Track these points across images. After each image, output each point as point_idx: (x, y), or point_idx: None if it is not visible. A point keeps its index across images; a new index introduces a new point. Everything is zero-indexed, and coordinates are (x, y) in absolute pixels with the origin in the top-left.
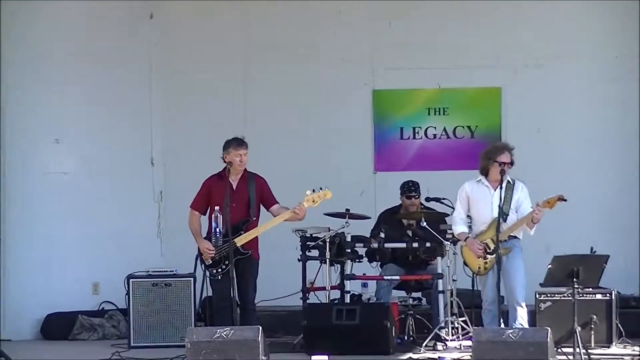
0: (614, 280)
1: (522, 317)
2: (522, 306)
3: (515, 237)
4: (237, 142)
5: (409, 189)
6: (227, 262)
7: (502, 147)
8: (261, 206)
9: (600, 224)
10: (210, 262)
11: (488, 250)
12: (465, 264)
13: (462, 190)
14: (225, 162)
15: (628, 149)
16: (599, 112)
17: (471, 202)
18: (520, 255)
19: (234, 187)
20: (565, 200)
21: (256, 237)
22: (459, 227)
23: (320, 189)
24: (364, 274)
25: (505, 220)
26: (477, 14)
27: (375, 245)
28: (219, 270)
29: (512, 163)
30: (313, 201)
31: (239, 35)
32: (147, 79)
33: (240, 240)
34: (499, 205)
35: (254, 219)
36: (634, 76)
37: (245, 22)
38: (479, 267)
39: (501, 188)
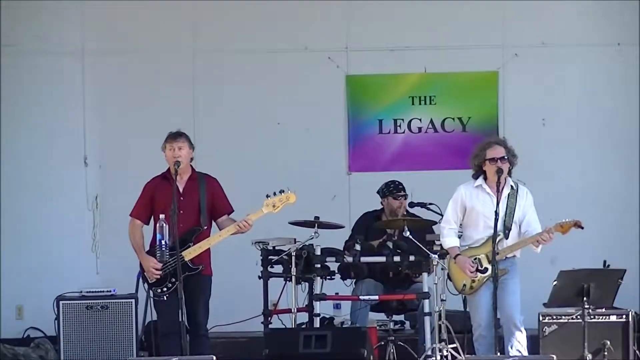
0: (630, 299)
1: (520, 343)
2: (521, 330)
3: (513, 255)
4: (170, 136)
5: (397, 187)
6: (174, 279)
7: (490, 141)
8: None
9: (616, 232)
10: (155, 279)
11: (479, 269)
12: (449, 278)
13: (457, 196)
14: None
15: None
16: (615, 101)
17: (468, 211)
18: (517, 275)
19: (181, 190)
20: (582, 227)
21: (208, 250)
22: (449, 239)
23: (282, 191)
24: (337, 294)
25: (507, 237)
26: None
27: (350, 259)
28: (165, 289)
29: (509, 158)
30: (273, 206)
31: (188, 15)
32: (79, 63)
33: (189, 254)
34: (502, 218)
35: (205, 227)
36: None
37: (195, 3)
38: (464, 285)
39: (499, 192)
